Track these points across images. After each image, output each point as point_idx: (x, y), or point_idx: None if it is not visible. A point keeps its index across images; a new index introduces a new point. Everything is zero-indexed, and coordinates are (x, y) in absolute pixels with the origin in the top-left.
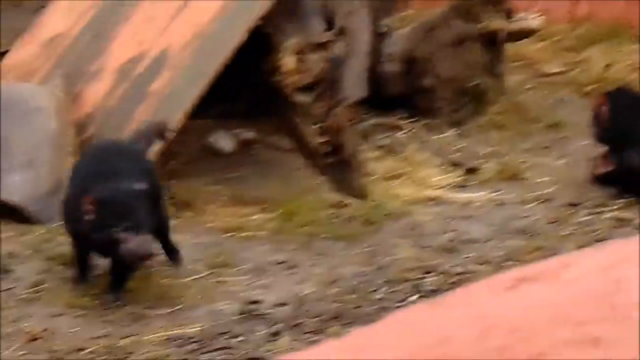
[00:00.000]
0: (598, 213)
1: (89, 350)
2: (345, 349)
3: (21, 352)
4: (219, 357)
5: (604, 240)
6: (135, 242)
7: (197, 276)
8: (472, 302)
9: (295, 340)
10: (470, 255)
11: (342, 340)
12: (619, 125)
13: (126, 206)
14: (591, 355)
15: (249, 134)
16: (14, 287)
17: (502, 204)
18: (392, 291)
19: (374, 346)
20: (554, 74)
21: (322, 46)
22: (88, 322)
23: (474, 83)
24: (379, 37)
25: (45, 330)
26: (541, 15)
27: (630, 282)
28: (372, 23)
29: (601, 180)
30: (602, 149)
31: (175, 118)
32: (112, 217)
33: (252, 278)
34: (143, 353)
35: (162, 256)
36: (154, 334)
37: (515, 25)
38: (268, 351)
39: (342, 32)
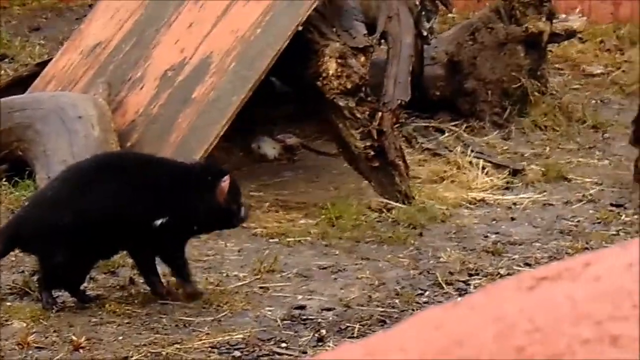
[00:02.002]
0: None
1: (134, 358)
2: (361, 351)
3: None
4: None
5: None
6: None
7: (242, 282)
8: (492, 302)
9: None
10: (515, 257)
11: (360, 343)
12: None
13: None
14: (610, 355)
15: (292, 139)
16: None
17: (547, 205)
18: (438, 294)
19: (390, 349)
20: (597, 74)
21: (363, 50)
22: (132, 330)
23: (517, 85)
24: (422, 40)
25: (88, 339)
26: (583, 16)
27: None
28: (414, 26)
29: None
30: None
31: (219, 124)
32: (237, 192)
33: (297, 283)
34: None
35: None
36: (199, 341)
37: (557, 27)
38: (313, 357)
39: (384, 36)
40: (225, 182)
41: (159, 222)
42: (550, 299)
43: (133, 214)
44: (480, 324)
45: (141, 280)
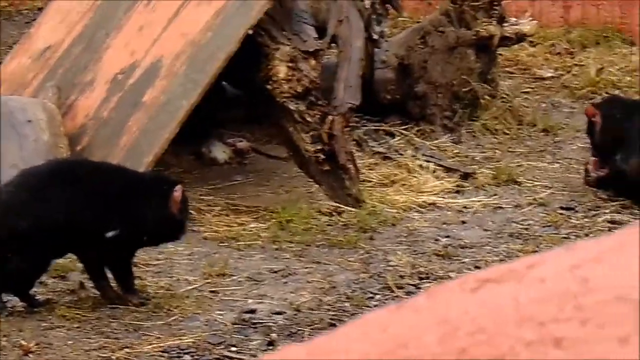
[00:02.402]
0: (593, 216)
1: None
2: (305, 353)
3: None
4: None
5: None
6: None
7: (192, 286)
8: (436, 304)
9: None
10: (466, 260)
11: (304, 345)
12: (611, 132)
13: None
14: (553, 356)
15: (242, 143)
16: (7, 301)
17: (498, 209)
18: (388, 298)
19: (333, 351)
20: (547, 78)
21: (314, 54)
22: (82, 334)
23: (467, 88)
24: (372, 43)
25: (38, 344)
26: (534, 19)
27: (597, 281)
28: (364, 30)
29: (595, 184)
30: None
31: (169, 127)
32: (186, 202)
33: (247, 287)
34: None
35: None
36: (149, 345)
37: (508, 30)
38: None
39: (334, 39)
40: (178, 192)
41: (110, 234)
42: (494, 301)
43: (85, 221)
44: (424, 326)
45: (91, 285)
